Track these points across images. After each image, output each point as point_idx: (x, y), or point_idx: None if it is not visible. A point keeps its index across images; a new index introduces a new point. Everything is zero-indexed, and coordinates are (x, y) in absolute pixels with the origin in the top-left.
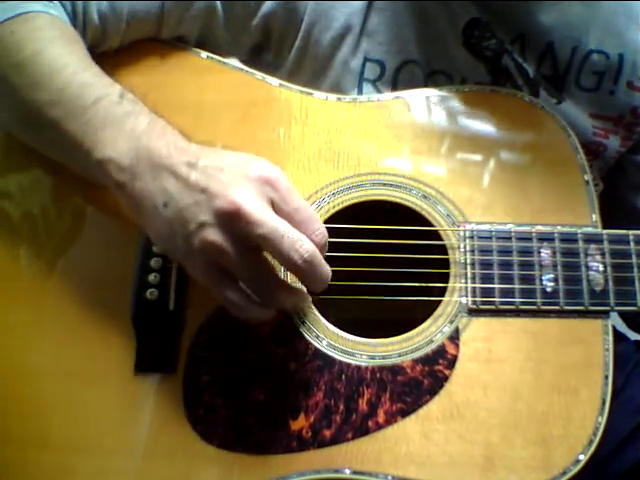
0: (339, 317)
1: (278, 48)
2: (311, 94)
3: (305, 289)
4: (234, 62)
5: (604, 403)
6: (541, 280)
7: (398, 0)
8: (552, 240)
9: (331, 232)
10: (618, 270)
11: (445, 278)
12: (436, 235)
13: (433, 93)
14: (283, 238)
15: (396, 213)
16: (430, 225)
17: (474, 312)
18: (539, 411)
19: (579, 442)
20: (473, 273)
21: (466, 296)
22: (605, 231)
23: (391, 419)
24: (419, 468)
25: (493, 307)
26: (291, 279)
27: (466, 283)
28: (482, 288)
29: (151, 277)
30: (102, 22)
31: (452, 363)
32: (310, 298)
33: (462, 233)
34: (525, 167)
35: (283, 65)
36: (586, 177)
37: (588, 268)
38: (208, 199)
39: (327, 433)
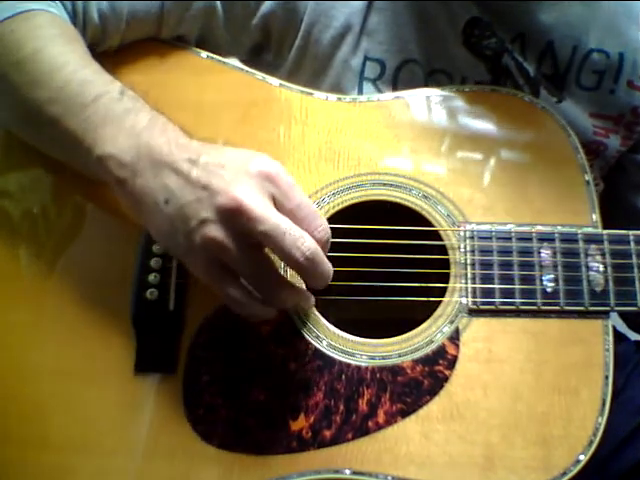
0: (339, 317)
1: (278, 48)
2: (311, 94)
3: (306, 289)
4: (234, 62)
5: (604, 403)
6: (541, 280)
7: (398, 0)
8: (552, 240)
9: (331, 232)
10: (618, 270)
11: (445, 278)
12: (436, 235)
13: (433, 93)
14: (285, 235)
15: (396, 213)
16: (430, 225)
17: (474, 312)
18: (539, 411)
19: (579, 442)
20: (473, 273)
21: (466, 296)
22: (605, 231)
23: (391, 419)
24: (419, 468)
25: (493, 307)
26: (292, 279)
27: (466, 283)
28: (482, 288)
29: (151, 277)
30: (102, 21)
31: (452, 363)
32: (313, 298)
33: (462, 233)
34: (525, 167)
35: (283, 65)
36: (586, 177)
37: (588, 268)
38: (210, 196)
39: (327, 433)
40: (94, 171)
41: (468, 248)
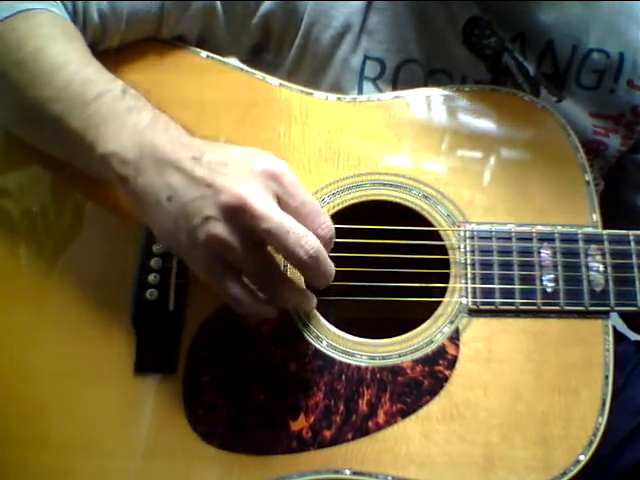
0: (339, 317)
1: (278, 47)
2: (311, 94)
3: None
4: (234, 62)
5: (604, 403)
6: (541, 280)
7: (398, 0)
8: (552, 240)
9: None
10: (618, 270)
11: (445, 278)
12: (436, 235)
13: (433, 92)
14: (289, 233)
15: (396, 213)
16: (430, 225)
17: (474, 312)
18: (539, 411)
19: (579, 442)
20: (473, 273)
21: (466, 296)
22: (605, 231)
23: (391, 419)
24: (419, 468)
25: (493, 307)
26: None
27: (466, 283)
28: (482, 288)
29: (151, 277)
30: (102, 21)
31: (452, 363)
32: (315, 299)
33: (462, 233)
34: (525, 167)
35: (283, 64)
36: (586, 177)
37: (588, 268)
38: (214, 194)
39: (327, 433)
40: (96, 169)
41: (468, 248)
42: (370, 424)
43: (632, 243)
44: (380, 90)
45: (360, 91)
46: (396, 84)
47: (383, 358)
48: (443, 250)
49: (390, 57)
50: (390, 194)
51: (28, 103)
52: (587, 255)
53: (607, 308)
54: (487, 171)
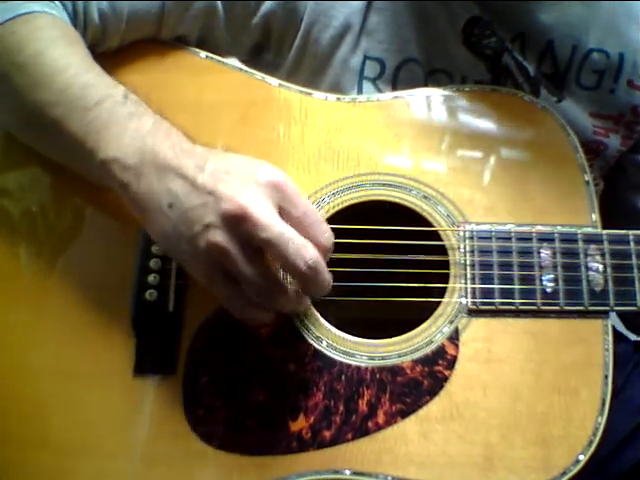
0: (339, 318)
1: (278, 47)
2: (310, 94)
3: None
4: (233, 62)
5: (604, 403)
6: (541, 280)
7: (398, 0)
8: (552, 240)
9: (331, 232)
10: (618, 270)
11: (445, 279)
12: (436, 236)
13: (433, 93)
14: (288, 244)
15: (396, 213)
16: (430, 226)
17: (474, 313)
18: (539, 411)
19: (579, 442)
20: (473, 274)
21: (466, 297)
22: (605, 231)
23: (391, 420)
24: (419, 468)
25: (493, 308)
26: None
27: (466, 284)
28: (482, 289)
29: (150, 278)
30: (102, 22)
31: (452, 363)
32: (310, 304)
33: (462, 234)
34: (525, 167)
35: (283, 64)
36: (586, 177)
37: (588, 268)
38: (215, 201)
39: (327, 434)
40: (97, 175)
41: (468, 248)
42: (370, 424)
43: (632, 243)
44: (380, 90)
45: (360, 91)
46: (396, 84)
47: (383, 358)
48: (443, 250)
49: (390, 57)
50: (390, 194)
51: (28, 107)
52: (587, 255)
53: (606, 308)
54: (487, 171)
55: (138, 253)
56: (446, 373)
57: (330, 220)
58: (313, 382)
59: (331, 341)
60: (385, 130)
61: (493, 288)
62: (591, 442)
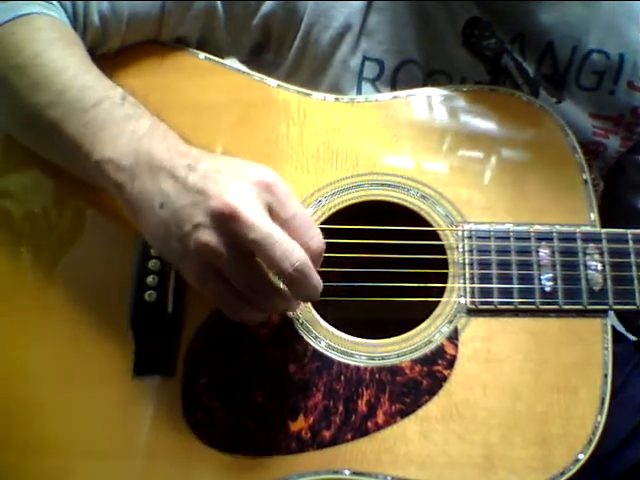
0: (338, 318)
1: (278, 48)
2: (309, 94)
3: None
4: (233, 63)
5: (603, 402)
6: (540, 280)
7: (398, 0)
8: (551, 239)
9: (330, 233)
10: (617, 269)
11: (444, 278)
12: (435, 235)
13: (431, 93)
14: (275, 245)
15: (395, 213)
16: (429, 225)
17: (473, 312)
18: (538, 411)
19: (578, 441)
20: (471, 273)
21: (465, 296)
22: (604, 230)
23: (390, 420)
24: (419, 468)
25: (492, 307)
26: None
27: (464, 283)
28: (481, 288)
29: (149, 279)
30: (102, 23)
31: (451, 363)
32: (301, 304)
33: (460, 233)
34: (523, 166)
35: (283, 64)
36: (584, 176)
37: (587, 267)
38: (204, 200)
39: (326, 434)
40: (92, 176)
41: (466, 248)
42: (369, 424)
43: (630, 242)
44: (379, 91)
45: (359, 92)
46: (395, 85)
47: (382, 358)
48: (442, 250)
49: (389, 58)
50: (388, 194)
51: (27, 108)
52: (585, 254)
53: (605, 307)
54: (485, 171)
55: (137, 255)
56: (445, 373)
57: (329, 220)
58: (312, 382)
59: (330, 341)
60: (383, 130)
61: (492, 287)
62: (591, 441)
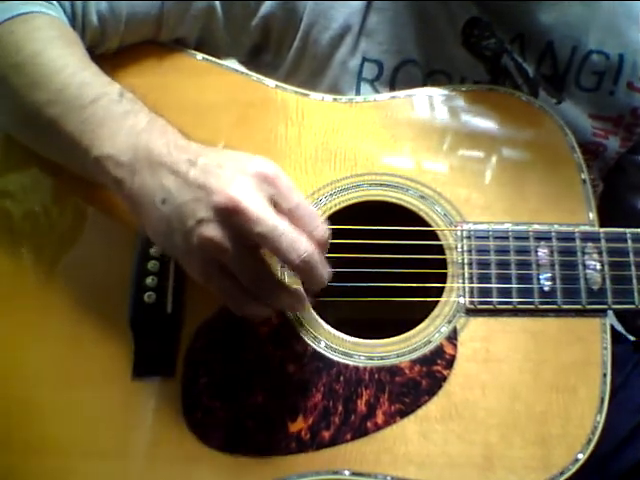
0: (337, 318)
1: (277, 48)
2: (307, 95)
3: (303, 291)
4: (231, 63)
5: (602, 402)
6: (538, 279)
7: (397, 0)
8: (549, 239)
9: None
10: (615, 268)
11: (443, 278)
12: (434, 235)
13: (430, 92)
14: (281, 237)
15: (394, 213)
16: (428, 225)
17: (472, 312)
18: (538, 411)
19: (578, 441)
20: (470, 273)
21: (464, 296)
22: (602, 229)
23: (390, 420)
24: (418, 468)
25: (491, 307)
26: (290, 279)
27: (463, 283)
28: (479, 288)
29: (148, 280)
30: (101, 23)
31: (450, 363)
32: (307, 301)
33: (459, 233)
34: (522, 166)
35: (282, 65)
36: (583, 176)
37: (585, 267)
38: (207, 195)
39: (326, 434)
40: (91, 172)
41: (465, 248)
42: (369, 424)
43: (629, 241)
44: (378, 92)
45: (358, 93)
46: (394, 86)
47: (381, 358)
48: (441, 250)
49: (388, 58)
50: (387, 194)
51: (26, 107)
52: (584, 253)
53: (604, 306)
54: (484, 170)
55: (136, 255)
56: (445, 373)
57: (328, 221)
58: (312, 383)
59: (329, 342)
60: (382, 130)
61: (491, 287)
62: (590, 441)
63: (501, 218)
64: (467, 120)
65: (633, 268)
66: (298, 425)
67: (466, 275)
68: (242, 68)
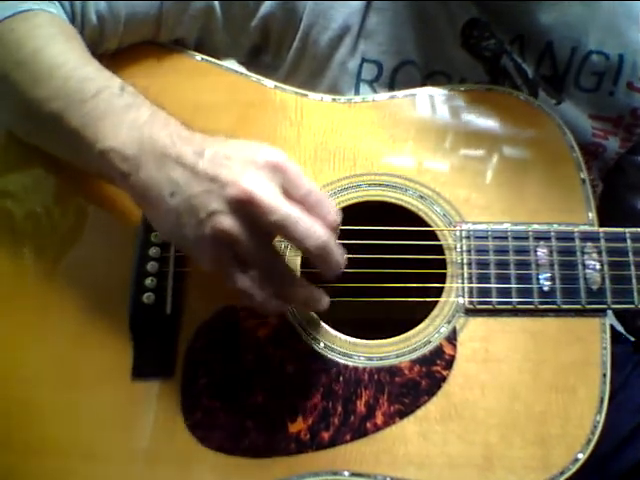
0: (336, 318)
1: (277, 49)
2: (306, 95)
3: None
4: (231, 64)
5: (602, 402)
6: (538, 279)
7: (397, 0)
8: (549, 239)
9: None
10: (615, 268)
11: (442, 278)
12: (433, 235)
13: (429, 92)
14: (297, 224)
15: (393, 213)
16: (427, 225)
17: (471, 312)
18: (537, 411)
19: (577, 441)
20: (470, 273)
21: (463, 296)
22: (602, 229)
23: (389, 420)
24: (418, 469)
25: (490, 307)
26: None
27: (463, 283)
28: (479, 288)
29: (148, 281)
30: (100, 22)
31: (450, 363)
32: (328, 298)
33: (458, 233)
34: (521, 166)
35: (281, 66)
36: (582, 175)
37: (585, 266)
38: (219, 187)
39: (325, 435)
40: (96, 166)
41: (464, 248)
42: (368, 425)
43: (628, 241)
44: (377, 93)
45: (357, 94)
46: (393, 87)
47: (381, 359)
48: (440, 250)
49: (387, 59)
50: (386, 194)
51: (27, 103)
52: (583, 253)
53: (604, 306)
54: (483, 170)
55: (135, 256)
56: (444, 373)
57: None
58: (311, 383)
59: (329, 342)
60: (381, 130)
61: (490, 287)
62: (589, 441)
63: (500, 218)
64: (466, 120)
65: (632, 268)
66: (298, 426)
67: (465, 275)
68: (241, 69)
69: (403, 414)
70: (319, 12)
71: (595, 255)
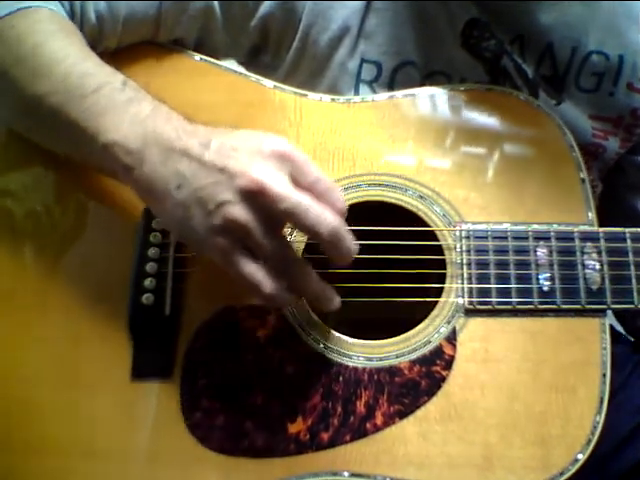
0: (336, 319)
1: (276, 49)
2: (305, 95)
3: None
4: (230, 64)
5: (602, 402)
6: (538, 279)
7: (397, 0)
8: (548, 239)
9: None
10: (615, 268)
11: (442, 278)
12: (433, 235)
13: (428, 92)
14: (308, 212)
15: (393, 213)
16: (427, 225)
17: (471, 312)
18: (537, 411)
19: (577, 441)
20: (469, 273)
21: (463, 296)
22: (601, 229)
23: (389, 421)
24: (418, 469)
25: (490, 307)
26: None
27: (462, 283)
28: (479, 288)
29: (147, 282)
30: (99, 22)
31: (449, 364)
32: (339, 299)
33: (458, 233)
34: (521, 165)
35: (281, 66)
36: (582, 175)
37: (584, 266)
38: (228, 178)
39: (325, 436)
40: (99, 160)
41: (464, 248)
42: (368, 425)
43: (628, 241)
44: (376, 93)
45: (357, 94)
46: (393, 87)
47: (380, 359)
48: (440, 250)
49: (387, 60)
50: (386, 194)
51: (28, 98)
52: (583, 253)
53: (604, 306)
54: (483, 170)
55: (134, 257)
56: (444, 373)
57: None
58: (311, 384)
59: (328, 342)
60: (380, 130)
61: (490, 287)
62: (589, 441)
63: (500, 218)
64: (466, 119)
65: (632, 268)
66: (297, 426)
67: (465, 275)
68: (241, 69)
69: (403, 414)
70: (318, 12)
71: (595, 255)
